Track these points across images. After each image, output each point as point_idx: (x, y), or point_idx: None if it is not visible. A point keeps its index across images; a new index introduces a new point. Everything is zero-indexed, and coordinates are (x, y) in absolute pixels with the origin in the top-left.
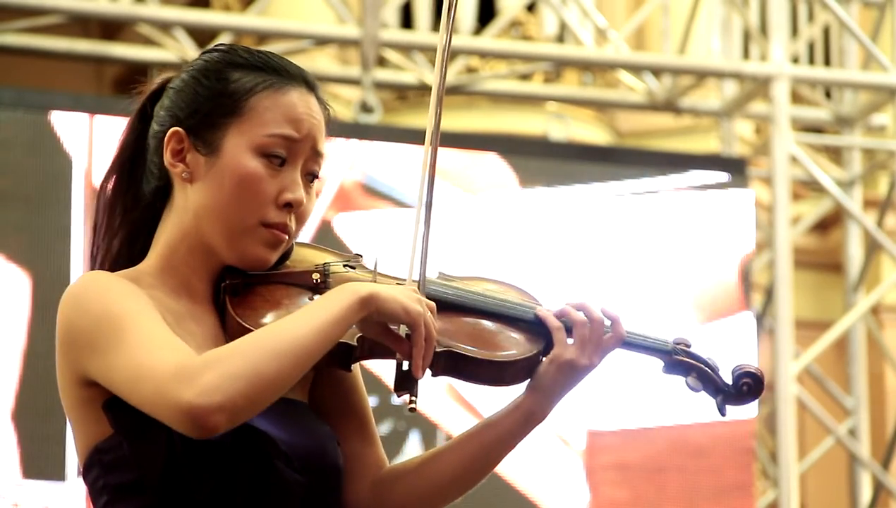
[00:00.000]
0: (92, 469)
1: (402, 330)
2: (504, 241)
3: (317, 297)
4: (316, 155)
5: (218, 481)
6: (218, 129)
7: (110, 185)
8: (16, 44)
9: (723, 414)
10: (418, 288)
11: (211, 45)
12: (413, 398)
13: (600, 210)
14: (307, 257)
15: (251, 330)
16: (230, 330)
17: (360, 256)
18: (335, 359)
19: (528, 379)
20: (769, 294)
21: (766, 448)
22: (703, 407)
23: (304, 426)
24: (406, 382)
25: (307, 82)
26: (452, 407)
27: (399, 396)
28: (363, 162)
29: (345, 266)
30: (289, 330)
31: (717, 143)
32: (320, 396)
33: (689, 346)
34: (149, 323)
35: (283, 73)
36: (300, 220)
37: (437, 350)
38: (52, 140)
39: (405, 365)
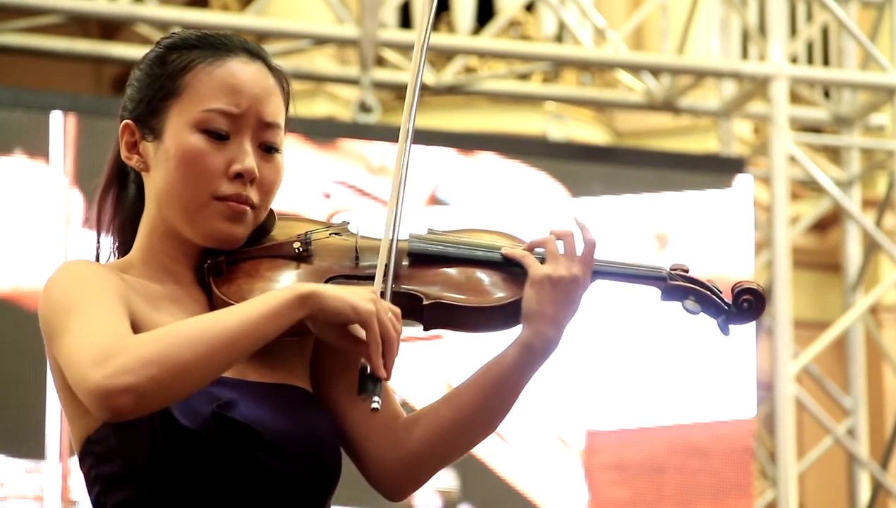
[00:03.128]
0: (86, 460)
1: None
2: None
3: (302, 267)
4: (264, 126)
5: (201, 472)
6: (160, 113)
7: (108, 201)
8: (15, 44)
9: (725, 334)
10: (388, 257)
11: None
12: (375, 399)
13: (598, 210)
14: (292, 229)
15: None
16: (217, 310)
17: (347, 223)
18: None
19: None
20: (768, 294)
21: (765, 448)
22: (702, 406)
23: (299, 415)
24: (368, 383)
25: (249, 51)
26: None
27: (362, 399)
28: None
29: (330, 234)
30: (215, 320)
31: (716, 143)
32: (323, 371)
33: (686, 271)
34: (97, 309)
35: (219, 47)
36: (265, 192)
37: (426, 303)
38: None
39: (368, 367)
